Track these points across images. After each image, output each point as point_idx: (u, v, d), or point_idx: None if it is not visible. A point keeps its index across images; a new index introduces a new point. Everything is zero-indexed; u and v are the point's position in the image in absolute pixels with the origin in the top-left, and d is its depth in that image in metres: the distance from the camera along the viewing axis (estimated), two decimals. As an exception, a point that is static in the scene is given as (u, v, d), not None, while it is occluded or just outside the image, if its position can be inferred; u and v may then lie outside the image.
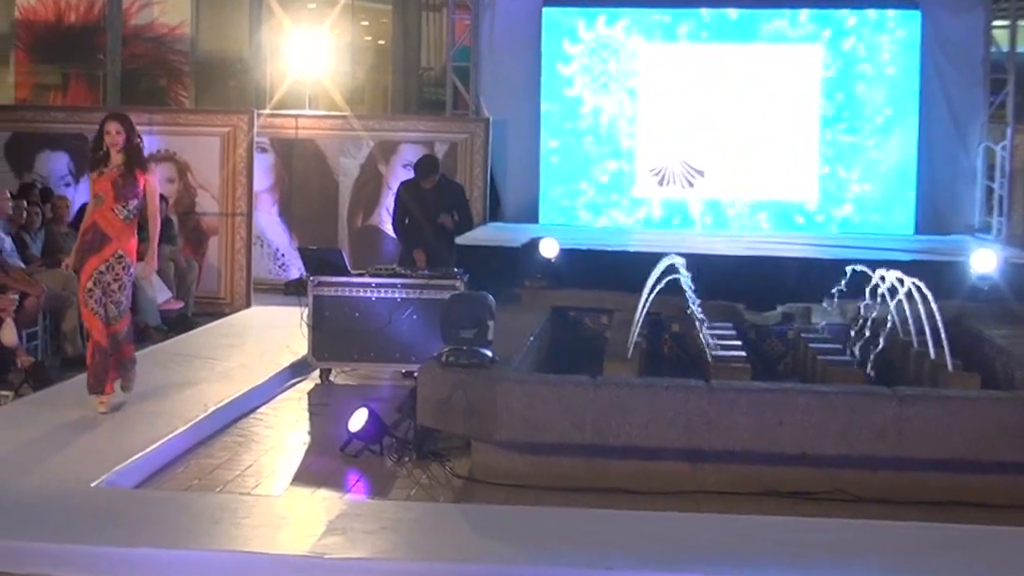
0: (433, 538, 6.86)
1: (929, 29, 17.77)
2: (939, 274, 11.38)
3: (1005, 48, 18.12)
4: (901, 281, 9.65)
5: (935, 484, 7.92)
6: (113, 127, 9.47)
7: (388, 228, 15.33)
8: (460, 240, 13.09)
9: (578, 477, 8.07)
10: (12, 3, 20.89)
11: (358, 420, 8.75)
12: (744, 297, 11.63)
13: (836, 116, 17.95)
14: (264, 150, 17.23)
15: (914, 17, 17.78)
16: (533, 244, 12.80)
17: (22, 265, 12.31)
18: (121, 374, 9.61)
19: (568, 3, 18.37)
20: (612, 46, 18.24)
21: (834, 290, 10.43)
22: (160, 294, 13.95)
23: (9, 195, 13.12)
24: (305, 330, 11.41)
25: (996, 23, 18.12)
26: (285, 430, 9.71)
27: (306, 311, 11.38)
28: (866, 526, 7.16)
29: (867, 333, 9.90)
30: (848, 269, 10.21)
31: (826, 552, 6.67)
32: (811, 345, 10.09)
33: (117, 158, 9.46)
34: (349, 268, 11.52)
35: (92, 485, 7.58)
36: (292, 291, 12.99)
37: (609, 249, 14.08)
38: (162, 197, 14.96)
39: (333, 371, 11.53)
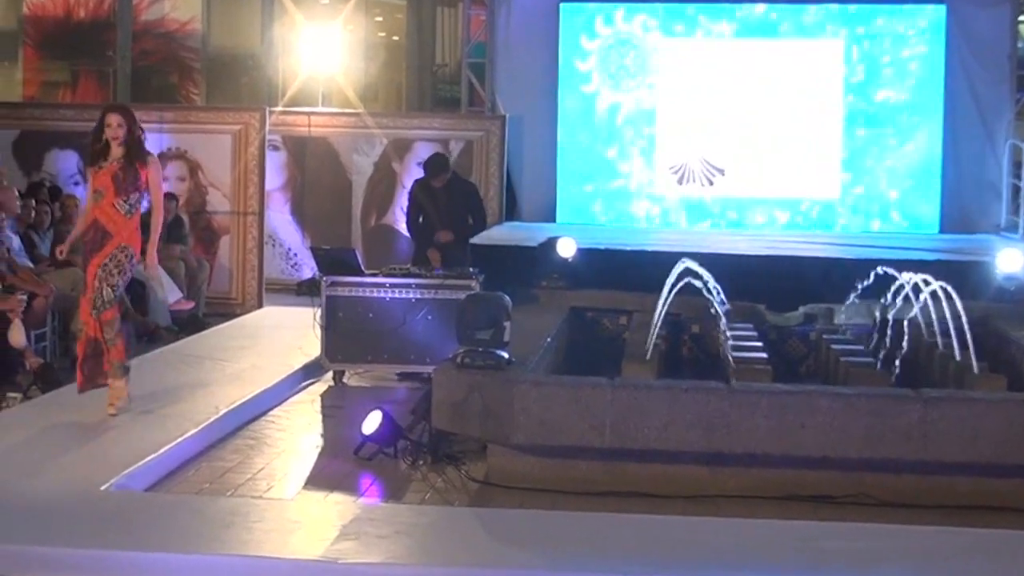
0: (448, 543, 6.86)
1: (954, 24, 17.73)
2: (964, 274, 11.35)
3: (1033, 43, 18.11)
4: (926, 281, 9.64)
5: (961, 488, 7.91)
6: (114, 119, 9.37)
7: (402, 227, 15.35)
8: (475, 240, 13.10)
9: (596, 481, 8.06)
10: (20, -1, 20.99)
11: (372, 423, 8.75)
12: (765, 297, 11.60)
13: (859, 113, 17.93)
14: (276, 148, 17.25)
15: (939, 11, 17.75)
16: (550, 243, 12.80)
17: (30, 265, 12.33)
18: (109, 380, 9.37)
19: (586, -2, 18.40)
20: (631, 41, 18.24)
21: (857, 290, 10.42)
22: (170, 294, 13.98)
23: (17, 194, 13.15)
24: (318, 331, 11.41)
25: (1023, 18, 18.08)
26: (298, 433, 9.72)
27: (319, 312, 11.38)
28: (890, 531, 7.14)
29: (891, 334, 9.88)
30: (878, 270, 10.19)
31: (849, 558, 6.66)
32: (834, 346, 10.07)
33: (117, 151, 9.35)
34: (363, 268, 11.53)
35: (102, 488, 7.59)
36: (305, 291, 13.04)
37: (628, 248, 14.07)
38: (173, 196, 15.09)
39: (346, 373, 11.54)
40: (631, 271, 12.43)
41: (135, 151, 9.38)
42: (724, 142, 18.13)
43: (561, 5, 18.30)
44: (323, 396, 11.07)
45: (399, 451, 8.76)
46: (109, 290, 9.30)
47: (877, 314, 10.39)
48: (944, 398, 8.02)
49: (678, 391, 8.03)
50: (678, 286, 9.64)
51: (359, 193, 17.60)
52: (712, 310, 10.04)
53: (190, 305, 14.38)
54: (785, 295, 11.75)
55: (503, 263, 12.74)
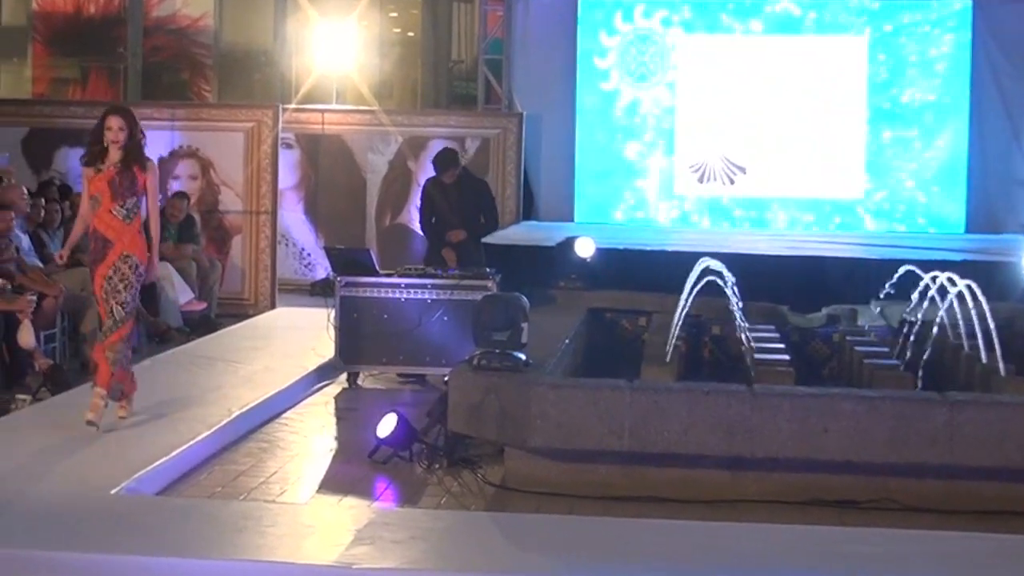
0: (464, 548, 6.86)
1: (980, 19, 17.71)
2: (991, 274, 11.34)
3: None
4: (952, 282, 9.62)
5: (987, 493, 7.88)
6: (115, 122, 9.12)
7: (417, 227, 15.35)
8: (492, 239, 13.10)
9: (614, 485, 8.06)
10: (30, -6, 21.04)
11: (387, 425, 8.75)
12: (787, 298, 11.60)
13: (883, 110, 17.93)
14: (289, 146, 17.29)
15: (965, 6, 17.72)
16: (568, 243, 12.80)
17: (40, 264, 12.35)
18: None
19: (605, -7, 18.41)
20: (651, 38, 18.23)
21: (881, 292, 10.40)
22: (182, 295, 14.00)
23: (26, 193, 13.18)
24: (332, 332, 11.42)
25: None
26: (311, 436, 9.73)
27: (333, 312, 11.40)
28: (915, 536, 7.13)
29: (915, 336, 9.86)
30: (902, 269, 10.19)
31: (873, 564, 6.65)
32: (857, 348, 10.05)
33: (116, 155, 9.12)
34: (377, 268, 11.53)
35: (112, 492, 7.60)
36: (318, 292, 13.06)
37: (647, 248, 14.08)
38: (184, 195, 15.12)
39: (361, 375, 11.55)
40: (650, 271, 12.44)
41: (135, 156, 9.16)
42: (745, 140, 18.13)
43: (580, 1, 18.30)
44: (337, 398, 11.08)
45: (414, 454, 8.76)
46: (119, 308, 9.13)
47: (903, 314, 10.37)
48: (970, 401, 8.00)
49: (698, 394, 8.02)
50: (698, 286, 9.64)
51: (374, 192, 17.63)
52: (733, 311, 10.03)
53: (202, 306, 14.40)
54: (808, 296, 11.74)
55: (520, 263, 12.75)
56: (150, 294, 13.08)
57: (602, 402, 7.95)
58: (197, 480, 8.37)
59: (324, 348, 11.71)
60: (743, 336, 9.92)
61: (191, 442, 8.73)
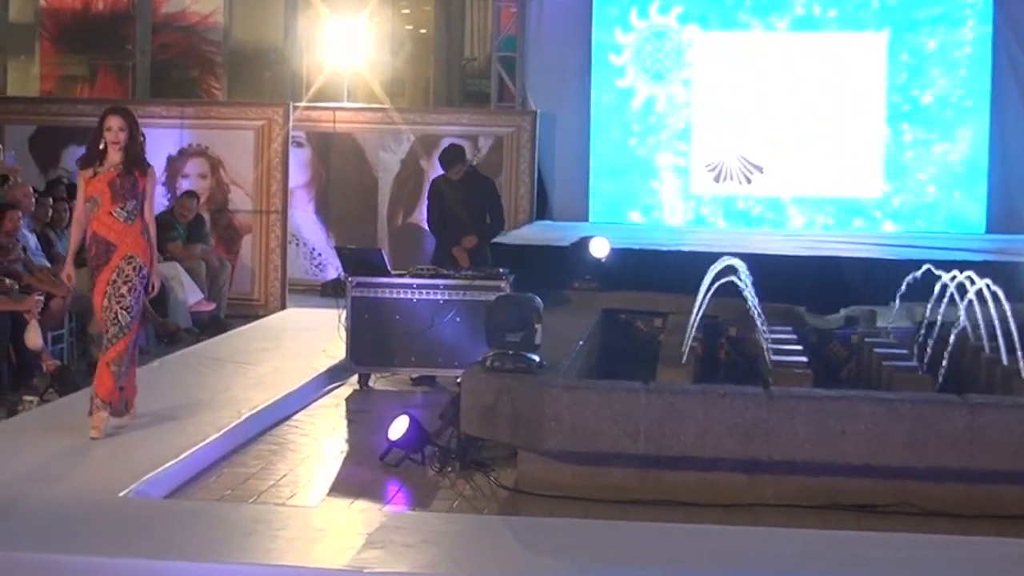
0: (477, 552, 6.86)
1: (1001, 15, 17.68)
2: (1012, 275, 11.30)
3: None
4: (972, 282, 9.60)
5: (1008, 497, 7.87)
6: (115, 122, 9.07)
7: (429, 226, 15.37)
8: (505, 239, 13.10)
9: (629, 488, 8.05)
10: (37, -9, 21.08)
11: (398, 428, 8.75)
12: (805, 299, 11.59)
13: (903, 108, 17.89)
14: (300, 144, 17.31)
15: (986, 2, 17.69)
16: (583, 243, 12.79)
17: (47, 264, 12.37)
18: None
19: (620, -11, 18.40)
20: (666, 35, 18.22)
21: (900, 292, 10.38)
22: (191, 295, 14.02)
23: (33, 192, 13.19)
24: (343, 333, 11.42)
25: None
26: (322, 438, 9.74)
27: (344, 313, 11.40)
28: (934, 541, 7.12)
29: (935, 338, 9.84)
30: (923, 269, 10.17)
31: (892, 568, 6.64)
32: (876, 350, 10.04)
33: (115, 157, 9.06)
34: (389, 268, 11.53)
35: (120, 495, 7.61)
36: (329, 292, 13.00)
37: (662, 248, 14.08)
38: (194, 194, 15.14)
39: (372, 376, 11.55)
40: (666, 272, 12.43)
41: (135, 158, 9.10)
42: (762, 139, 18.12)
43: (594, -3, 18.32)
44: (348, 400, 11.08)
45: (426, 457, 8.76)
46: (124, 313, 9.01)
47: (923, 315, 10.35)
48: (991, 404, 7.99)
49: (715, 396, 8.01)
50: (715, 286, 9.62)
51: (385, 191, 17.65)
52: (752, 312, 10.02)
53: (211, 306, 14.42)
54: (826, 297, 11.74)
55: (534, 263, 12.75)
56: (159, 294, 13.08)
57: (617, 404, 7.94)
58: (206, 483, 8.37)
59: (335, 349, 11.71)
60: (760, 338, 9.90)
61: (200, 444, 8.74)
